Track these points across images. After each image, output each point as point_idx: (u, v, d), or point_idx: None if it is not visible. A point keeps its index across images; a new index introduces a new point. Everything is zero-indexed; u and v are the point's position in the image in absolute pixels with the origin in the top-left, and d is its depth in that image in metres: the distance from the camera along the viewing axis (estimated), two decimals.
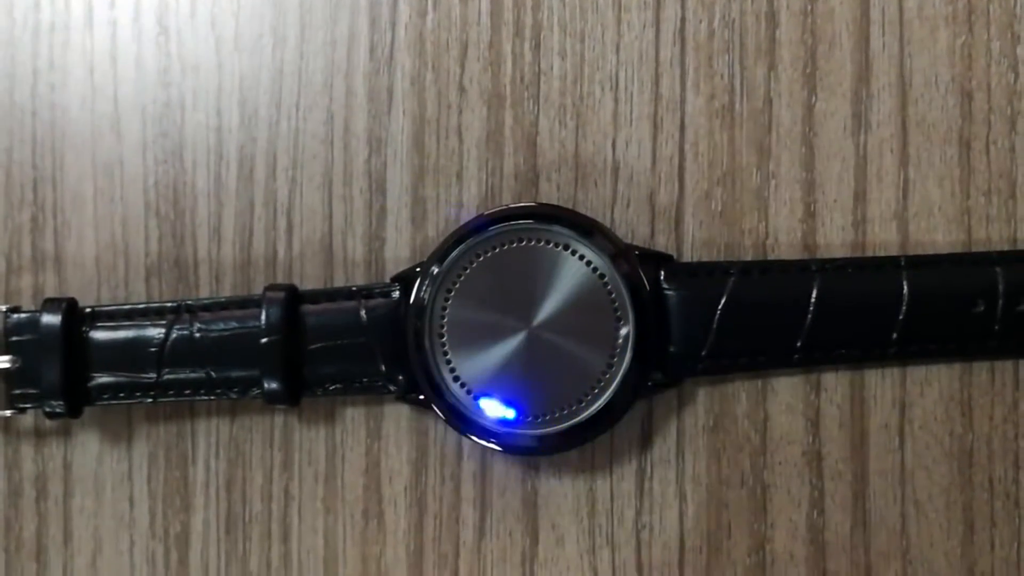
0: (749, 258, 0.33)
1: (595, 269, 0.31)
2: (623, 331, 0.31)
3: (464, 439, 0.33)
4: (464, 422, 0.32)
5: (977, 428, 0.32)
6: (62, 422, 0.35)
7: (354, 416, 0.34)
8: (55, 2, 0.35)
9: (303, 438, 0.34)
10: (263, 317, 0.32)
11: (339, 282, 0.34)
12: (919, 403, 0.33)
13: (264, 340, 0.32)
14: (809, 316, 0.32)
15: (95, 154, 0.35)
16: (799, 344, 0.32)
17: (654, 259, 0.32)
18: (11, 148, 0.35)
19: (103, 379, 0.33)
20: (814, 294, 0.32)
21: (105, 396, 0.33)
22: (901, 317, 0.31)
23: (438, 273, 0.32)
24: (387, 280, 0.33)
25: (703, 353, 0.32)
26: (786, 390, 0.33)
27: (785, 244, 0.33)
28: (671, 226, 0.33)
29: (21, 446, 0.35)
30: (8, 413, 0.34)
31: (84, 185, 0.35)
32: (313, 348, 0.33)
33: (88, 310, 0.34)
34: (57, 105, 0.35)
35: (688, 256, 0.33)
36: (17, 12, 0.35)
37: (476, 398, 0.32)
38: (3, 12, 0.35)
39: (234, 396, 0.33)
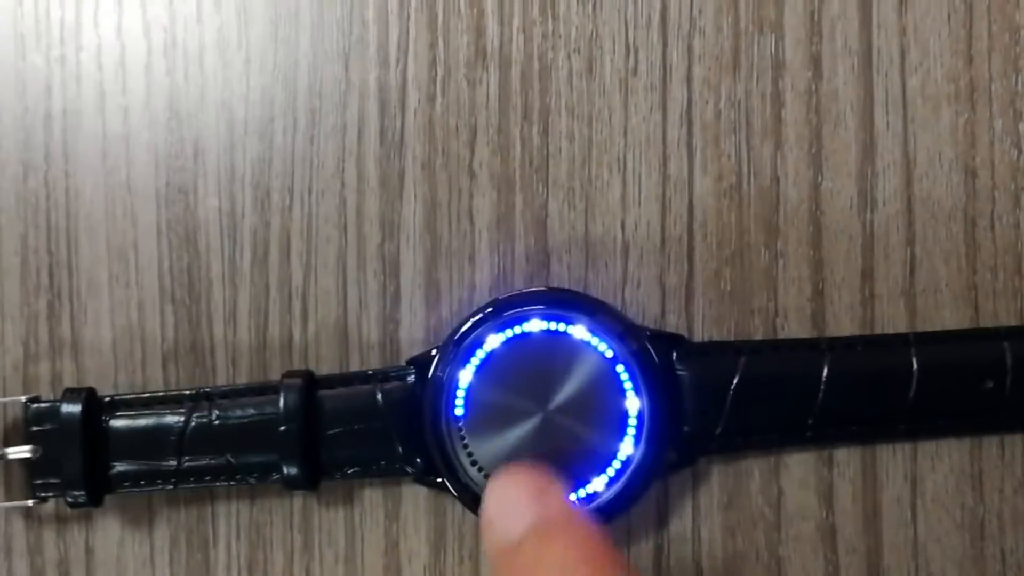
0: (759, 336, 0.33)
1: (607, 351, 0.32)
2: (637, 413, 0.32)
3: None
4: (481, 503, 0.33)
5: (988, 501, 0.33)
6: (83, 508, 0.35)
7: (372, 497, 0.35)
8: (67, 88, 0.36)
9: (322, 520, 0.35)
10: (281, 404, 0.33)
11: (354, 364, 0.35)
12: (930, 477, 0.33)
13: (283, 427, 0.33)
14: (820, 394, 0.32)
15: (109, 239, 0.36)
16: (811, 422, 0.32)
17: (666, 340, 0.33)
18: (26, 234, 0.36)
19: (123, 467, 0.34)
20: (825, 372, 0.32)
21: (126, 484, 0.34)
22: (911, 394, 0.32)
23: (453, 357, 0.32)
24: (402, 362, 0.34)
25: (717, 432, 0.32)
26: (799, 466, 0.33)
27: (794, 322, 0.33)
28: (681, 305, 0.34)
29: (43, 531, 0.35)
30: (30, 503, 0.34)
31: (99, 270, 0.36)
32: (331, 433, 0.33)
33: (108, 399, 0.34)
34: (71, 191, 0.36)
35: (699, 335, 0.34)
36: (30, 98, 0.36)
37: None
38: (16, 98, 0.36)
39: (253, 482, 0.33)
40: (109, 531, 0.35)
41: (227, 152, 0.35)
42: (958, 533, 0.33)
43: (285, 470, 0.33)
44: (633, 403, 0.32)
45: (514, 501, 0.27)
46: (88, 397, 0.34)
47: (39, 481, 0.34)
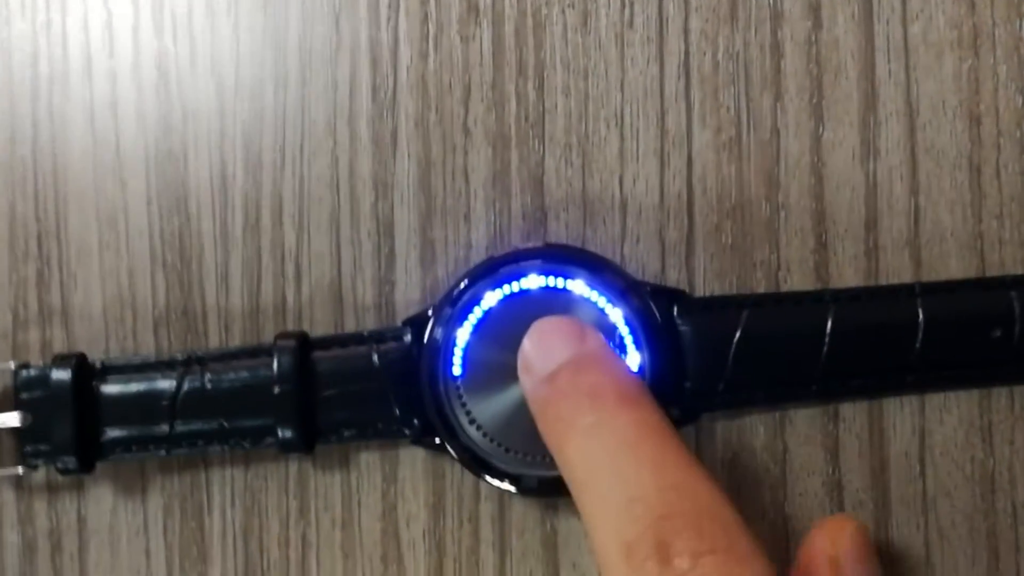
0: (762, 290, 0.33)
1: (607, 307, 0.31)
2: (638, 369, 0.31)
3: (481, 481, 0.33)
4: (481, 464, 0.32)
5: (998, 453, 0.32)
6: (75, 476, 0.34)
7: (369, 461, 0.34)
8: (53, 54, 0.35)
9: (319, 484, 0.34)
10: (275, 366, 0.32)
11: (349, 326, 0.34)
12: (939, 430, 0.32)
13: (277, 389, 0.32)
14: (825, 347, 0.31)
15: (98, 205, 0.35)
16: (816, 375, 0.32)
17: (666, 295, 0.32)
18: (13, 201, 0.35)
19: (115, 433, 0.33)
20: (829, 325, 0.31)
21: (118, 450, 0.33)
22: (918, 345, 0.31)
23: (450, 316, 0.32)
24: (398, 323, 0.33)
25: (719, 388, 0.32)
26: (804, 421, 0.33)
27: (797, 274, 0.33)
28: (682, 261, 0.33)
29: (34, 501, 0.35)
30: (20, 470, 0.33)
31: (88, 237, 0.35)
32: (326, 395, 0.33)
33: (98, 364, 0.33)
34: (59, 157, 0.35)
35: (700, 290, 0.33)
36: (15, 64, 0.35)
37: (492, 439, 0.32)
38: (1, 65, 0.35)
39: (247, 446, 0.33)
40: (101, 500, 0.35)
41: (217, 114, 0.35)
42: (968, 486, 0.32)
43: (280, 433, 0.32)
44: (634, 359, 0.31)
45: (553, 340, 0.29)
46: (78, 362, 0.33)
47: (29, 448, 0.33)
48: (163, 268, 0.35)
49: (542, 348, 0.29)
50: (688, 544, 0.23)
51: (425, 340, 0.32)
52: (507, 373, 0.31)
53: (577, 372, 0.28)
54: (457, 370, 0.32)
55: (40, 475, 0.35)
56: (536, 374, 0.28)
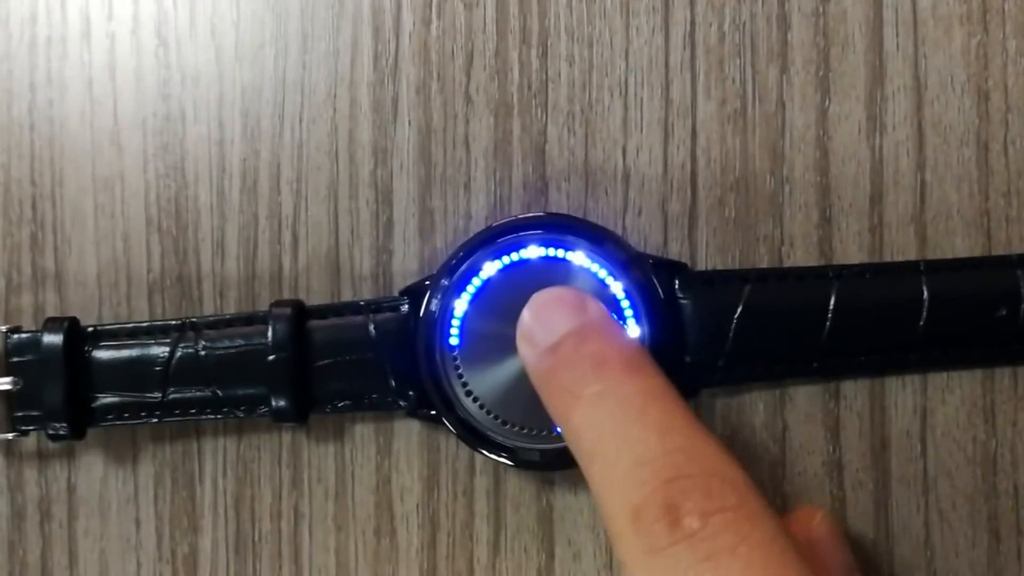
0: (764, 265, 0.32)
1: (608, 279, 0.31)
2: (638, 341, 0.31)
3: (476, 455, 0.32)
4: (477, 437, 0.32)
5: (1000, 434, 0.32)
6: (65, 443, 0.34)
7: (363, 433, 0.34)
8: (52, 15, 0.35)
9: (312, 455, 0.34)
10: (270, 334, 0.32)
11: (346, 296, 0.34)
12: (940, 410, 0.32)
13: (271, 357, 0.32)
14: (827, 323, 0.31)
15: (95, 169, 0.35)
16: (818, 352, 0.31)
17: (668, 268, 0.32)
18: (9, 164, 0.35)
19: (107, 399, 0.33)
20: (832, 301, 0.31)
21: (109, 417, 0.33)
22: (922, 323, 0.31)
23: (448, 286, 0.31)
24: (395, 293, 0.33)
25: (719, 363, 0.31)
26: (804, 399, 0.32)
27: (801, 249, 0.32)
28: (684, 234, 0.33)
29: (24, 468, 0.34)
30: (10, 436, 0.33)
31: (84, 201, 0.34)
32: (321, 364, 0.32)
33: (91, 329, 0.33)
34: (55, 120, 0.35)
35: (702, 264, 0.32)
36: (13, 25, 0.35)
37: (489, 412, 0.31)
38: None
39: (241, 415, 0.32)
40: (92, 468, 0.34)
41: (216, 79, 0.34)
42: (969, 467, 0.32)
43: (274, 403, 0.32)
44: (634, 332, 0.31)
45: (554, 311, 0.28)
46: (70, 327, 0.33)
47: (20, 414, 0.33)
48: (158, 233, 0.34)
49: (543, 319, 0.28)
50: (697, 504, 0.23)
51: (422, 311, 0.31)
52: (505, 345, 0.31)
53: (580, 342, 0.27)
54: (454, 341, 0.31)
55: (31, 442, 0.34)
56: (538, 345, 0.28)
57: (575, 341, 0.27)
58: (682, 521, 0.23)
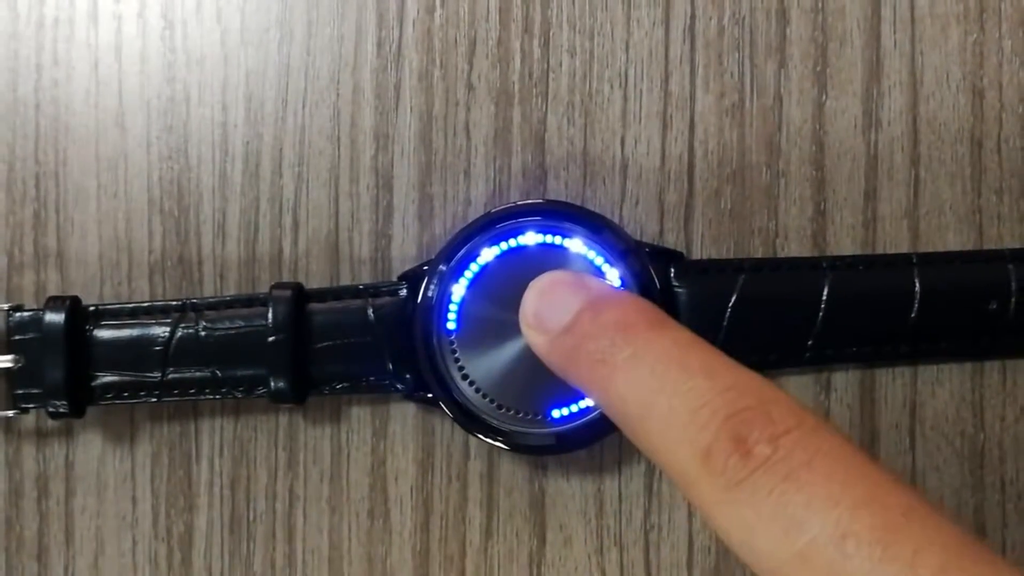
0: (759, 256, 0.33)
1: (604, 266, 0.31)
2: None
3: (471, 439, 0.33)
4: (473, 420, 0.32)
5: (988, 428, 0.32)
6: (64, 421, 0.34)
7: (360, 415, 0.34)
8: None
9: (308, 437, 0.34)
10: (270, 316, 0.32)
11: (345, 280, 0.34)
12: (930, 403, 0.32)
13: (271, 339, 0.32)
14: (820, 314, 0.31)
15: (99, 149, 0.35)
16: (810, 342, 0.32)
17: (664, 256, 0.32)
18: (13, 143, 0.35)
19: (107, 378, 0.33)
20: (825, 292, 0.31)
21: (109, 395, 0.33)
22: (913, 315, 0.31)
23: (446, 271, 0.32)
24: (394, 278, 0.33)
25: None
26: (795, 390, 0.33)
27: (795, 242, 0.33)
28: (680, 224, 0.33)
29: (23, 445, 0.35)
30: (11, 413, 0.33)
31: (87, 181, 0.35)
32: (320, 347, 0.32)
33: (92, 308, 0.33)
34: (61, 100, 0.35)
35: (698, 254, 0.33)
36: (21, 6, 0.35)
37: (485, 396, 0.32)
38: (7, 6, 0.35)
39: (239, 395, 0.33)
40: (90, 446, 0.35)
41: (221, 62, 0.35)
42: (957, 461, 0.32)
43: (272, 384, 0.32)
44: None
45: (559, 293, 0.28)
46: (72, 306, 0.33)
47: (20, 391, 0.33)
48: (161, 214, 0.35)
49: (551, 302, 0.28)
50: (764, 432, 0.23)
51: (420, 295, 0.32)
52: (502, 330, 0.31)
53: (597, 314, 0.27)
54: (452, 325, 0.32)
55: (30, 420, 0.35)
56: (551, 330, 0.27)
57: (591, 314, 0.27)
58: (753, 450, 0.23)
